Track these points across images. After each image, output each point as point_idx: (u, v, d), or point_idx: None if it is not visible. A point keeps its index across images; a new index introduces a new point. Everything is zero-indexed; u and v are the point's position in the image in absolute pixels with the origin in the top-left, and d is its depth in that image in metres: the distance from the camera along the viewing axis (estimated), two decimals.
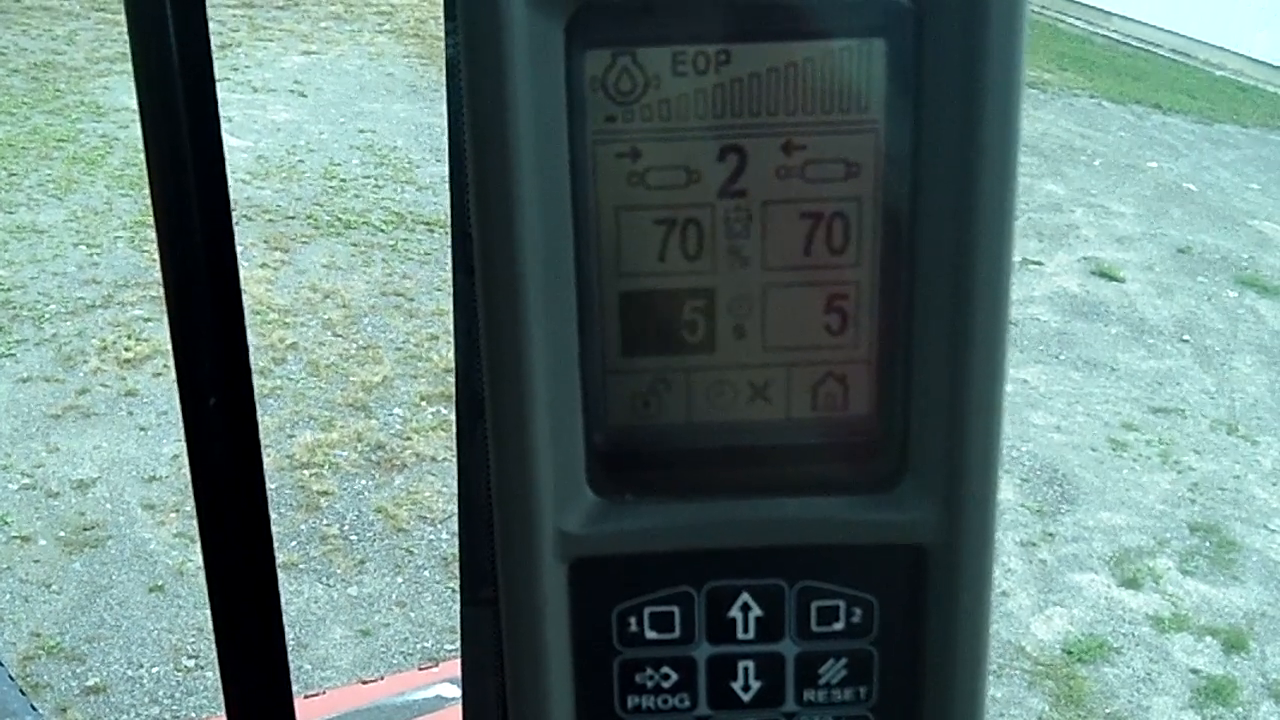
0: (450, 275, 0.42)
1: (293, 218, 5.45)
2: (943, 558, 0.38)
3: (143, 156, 0.51)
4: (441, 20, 0.41)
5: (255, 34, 7.77)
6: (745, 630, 0.38)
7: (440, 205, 5.64)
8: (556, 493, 0.37)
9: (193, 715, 2.93)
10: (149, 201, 0.51)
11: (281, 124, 6.45)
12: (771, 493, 0.38)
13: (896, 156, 0.35)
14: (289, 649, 0.60)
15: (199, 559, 0.66)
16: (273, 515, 0.57)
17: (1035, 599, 3.69)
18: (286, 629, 0.60)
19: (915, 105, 0.35)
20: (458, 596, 0.51)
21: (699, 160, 0.35)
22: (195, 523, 0.56)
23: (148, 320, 4.46)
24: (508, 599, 0.38)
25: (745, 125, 0.35)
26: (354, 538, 3.60)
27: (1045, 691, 3.34)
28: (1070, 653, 3.49)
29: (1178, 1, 10.29)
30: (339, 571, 3.46)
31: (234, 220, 0.54)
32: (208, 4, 0.51)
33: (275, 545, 0.57)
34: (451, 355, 0.44)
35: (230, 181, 0.53)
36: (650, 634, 0.38)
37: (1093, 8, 10.91)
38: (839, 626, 0.38)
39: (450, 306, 0.43)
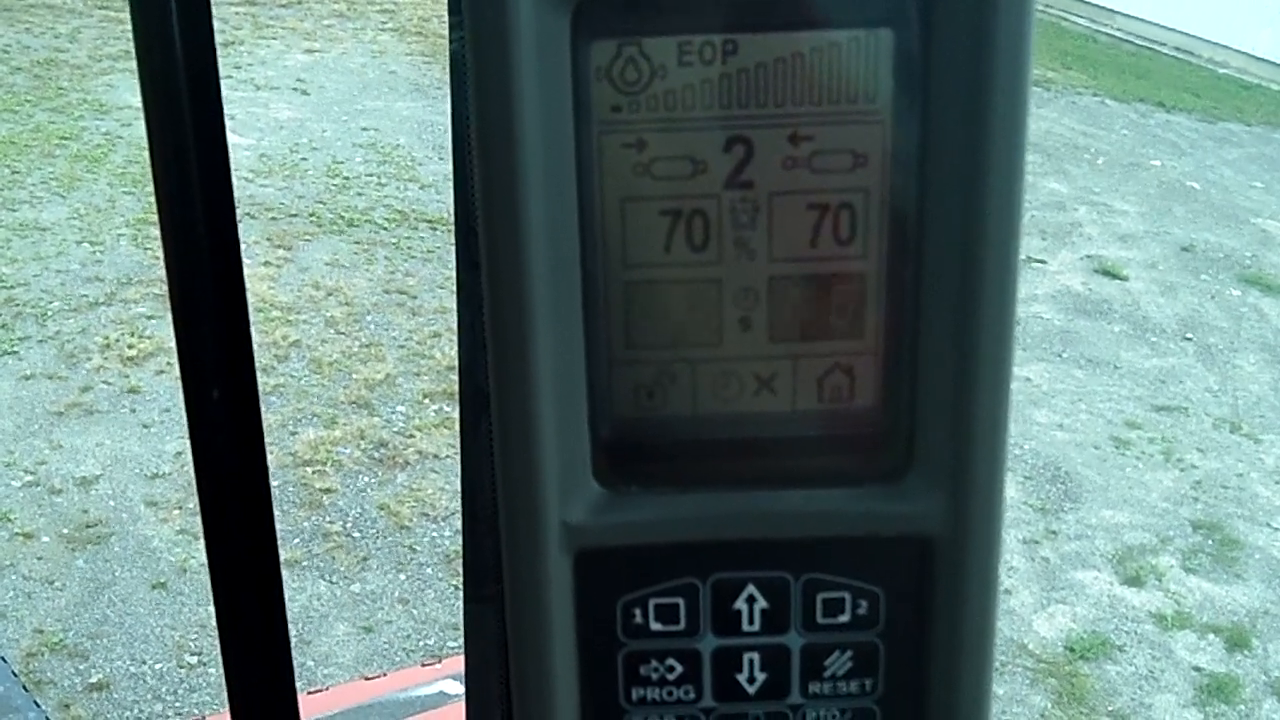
0: (453, 273, 0.42)
1: (295, 215, 5.46)
2: (949, 550, 0.37)
3: (145, 154, 0.51)
4: (444, 18, 0.41)
5: (258, 32, 7.77)
6: (750, 622, 0.38)
7: (443, 203, 5.64)
8: (561, 484, 0.37)
9: (195, 712, 2.94)
10: (152, 199, 0.51)
11: (284, 122, 6.46)
12: (777, 485, 0.38)
13: (904, 148, 0.35)
14: (292, 645, 0.60)
15: (201, 556, 0.66)
16: (275, 512, 0.57)
17: (1038, 596, 3.69)
18: (289, 626, 0.60)
19: (923, 96, 0.35)
20: (460, 594, 0.51)
21: (705, 151, 0.35)
22: (198, 520, 0.56)
23: (150, 318, 4.46)
24: (512, 591, 0.38)
25: (751, 116, 0.35)
26: (357, 535, 3.60)
27: (1048, 689, 3.34)
28: (1073, 650, 3.49)
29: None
30: (342, 568, 3.46)
31: (237, 217, 0.54)
32: (211, 2, 0.51)
33: (278, 542, 0.58)
34: (454, 352, 0.43)
35: (233, 179, 0.53)
36: (655, 626, 0.38)
37: (1096, 6, 10.89)
38: (845, 619, 0.38)
39: (453, 304, 0.43)
